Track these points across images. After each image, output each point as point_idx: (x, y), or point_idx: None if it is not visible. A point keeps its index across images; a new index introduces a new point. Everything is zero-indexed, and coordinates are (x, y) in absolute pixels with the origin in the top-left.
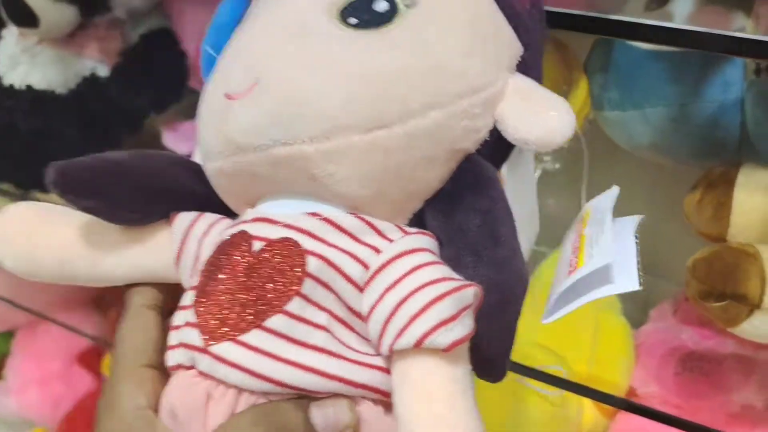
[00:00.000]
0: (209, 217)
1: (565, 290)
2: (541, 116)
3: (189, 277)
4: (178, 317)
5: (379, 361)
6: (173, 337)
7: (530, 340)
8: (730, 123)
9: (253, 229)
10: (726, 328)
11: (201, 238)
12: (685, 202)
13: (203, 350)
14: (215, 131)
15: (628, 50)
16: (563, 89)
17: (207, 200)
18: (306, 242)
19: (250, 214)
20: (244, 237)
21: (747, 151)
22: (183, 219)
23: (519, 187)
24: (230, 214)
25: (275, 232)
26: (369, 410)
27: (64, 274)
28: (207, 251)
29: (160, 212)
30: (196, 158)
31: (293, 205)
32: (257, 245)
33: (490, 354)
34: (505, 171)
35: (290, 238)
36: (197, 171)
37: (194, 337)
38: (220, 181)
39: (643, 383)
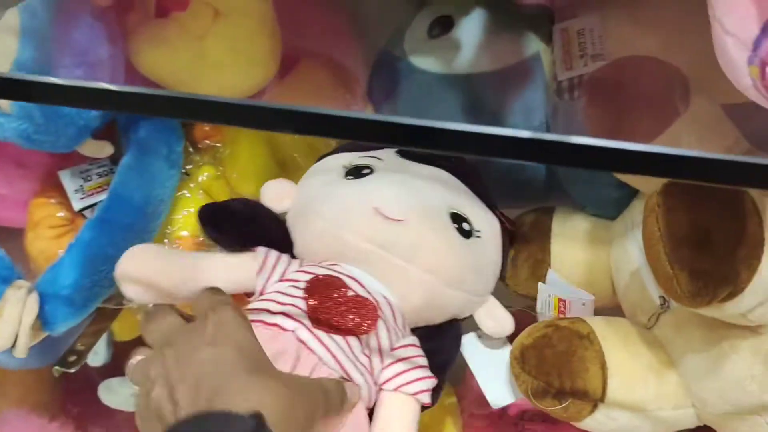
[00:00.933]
0: (285, 257)
1: None
2: (497, 325)
3: (264, 282)
4: (279, 297)
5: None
6: (273, 306)
7: None
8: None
9: (347, 281)
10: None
11: (283, 265)
12: None
13: (308, 328)
14: (362, 222)
15: (413, 76)
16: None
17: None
18: (379, 309)
19: (342, 269)
20: (340, 282)
21: (556, 190)
22: (263, 250)
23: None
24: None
25: (363, 293)
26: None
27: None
28: (297, 275)
29: (249, 246)
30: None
31: (373, 282)
32: (351, 293)
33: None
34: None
35: (374, 302)
36: (279, 223)
37: (302, 316)
38: (327, 240)
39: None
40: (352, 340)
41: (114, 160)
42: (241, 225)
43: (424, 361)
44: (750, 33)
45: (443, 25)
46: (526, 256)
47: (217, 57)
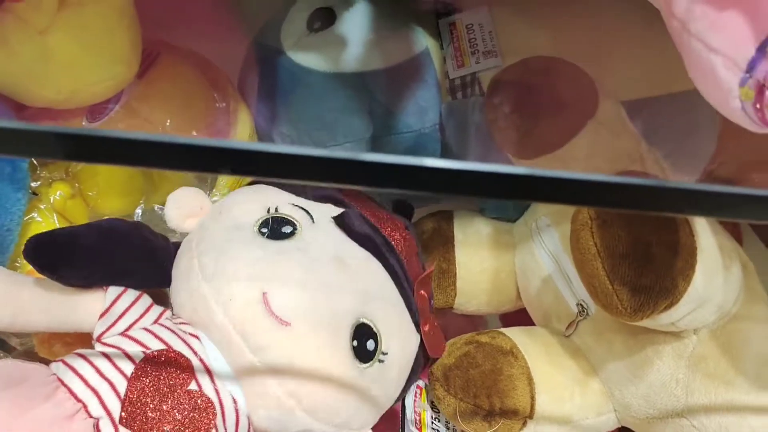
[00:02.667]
0: (143, 301)
1: None
2: None
3: (103, 330)
4: (103, 364)
5: None
6: (89, 374)
7: None
8: (430, 154)
9: (197, 369)
10: None
11: (135, 314)
12: None
13: (114, 422)
14: (241, 305)
15: (296, 73)
16: (220, 106)
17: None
18: (219, 415)
19: (198, 347)
20: (189, 368)
21: None
22: (115, 290)
23: None
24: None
25: (208, 389)
26: None
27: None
28: (144, 337)
29: (100, 282)
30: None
31: (229, 377)
32: (193, 386)
33: None
34: None
35: (213, 406)
36: (148, 255)
37: (114, 404)
38: (198, 304)
39: None
40: None
41: None
42: (85, 261)
43: None
44: (743, 53)
45: (324, 18)
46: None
47: (65, 54)
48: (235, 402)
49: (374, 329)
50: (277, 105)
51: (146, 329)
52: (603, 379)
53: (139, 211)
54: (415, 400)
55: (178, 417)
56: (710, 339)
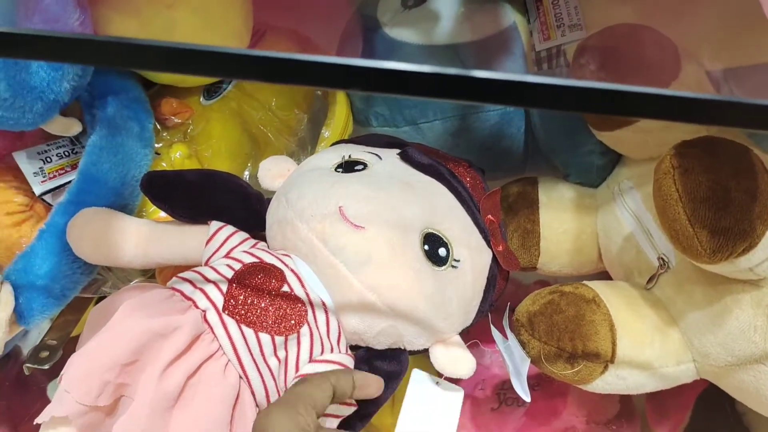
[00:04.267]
0: (241, 234)
1: None
2: (451, 365)
3: (210, 255)
4: (209, 272)
5: None
6: (196, 279)
7: None
8: (514, 130)
9: (288, 275)
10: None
11: (235, 241)
12: None
13: (218, 310)
14: (320, 217)
15: (390, 47)
16: (323, 103)
17: (237, 221)
18: (309, 315)
19: (290, 262)
20: (281, 275)
21: (534, 158)
22: (217, 224)
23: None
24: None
25: (300, 291)
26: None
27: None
28: (242, 256)
29: (203, 218)
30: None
31: (317, 283)
32: (285, 288)
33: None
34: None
35: (305, 304)
36: (243, 199)
37: (218, 297)
38: (286, 228)
39: (460, 425)
40: (265, 337)
41: (74, 139)
42: (190, 196)
43: None
44: None
45: None
46: (515, 227)
47: (188, 27)
48: (323, 304)
49: (444, 239)
50: None
51: (245, 251)
52: (683, 328)
53: (246, 173)
54: None
55: (272, 310)
56: None
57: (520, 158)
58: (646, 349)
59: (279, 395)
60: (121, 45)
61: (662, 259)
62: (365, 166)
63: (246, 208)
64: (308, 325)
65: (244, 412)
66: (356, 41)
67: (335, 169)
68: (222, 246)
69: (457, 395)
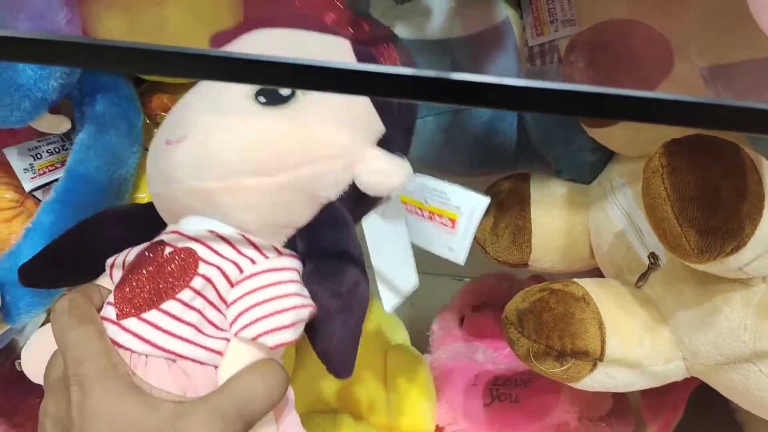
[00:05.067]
0: (134, 250)
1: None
2: (380, 176)
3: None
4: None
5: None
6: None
7: (323, 406)
8: (506, 127)
9: (168, 238)
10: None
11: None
12: (477, 230)
13: (114, 322)
14: (156, 165)
15: None
16: None
17: (132, 241)
18: (201, 251)
19: (169, 228)
20: (160, 244)
21: (526, 154)
22: (109, 261)
23: (387, 233)
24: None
25: (181, 242)
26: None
27: None
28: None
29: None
30: None
31: (202, 223)
32: (168, 250)
33: (335, 352)
34: (368, 221)
35: (189, 248)
36: (131, 221)
37: (111, 312)
38: (157, 203)
39: (452, 420)
40: (170, 304)
41: (65, 136)
42: (74, 263)
43: (277, 290)
44: None
45: None
46: (507, 224)
47: (179, 24)
48: (213, 231)
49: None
50: None
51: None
52: (673, 327)
53: None
54: None
55: (158, 277)
56: None
57: (513, 154)
58: (636, 347)
59: (227, 340)
60: (107, 48)
61: (652, 257)
62: None
63: (141, 225)
64: (204, 260)
65: (205, 379)
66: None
67: None
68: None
69: (399, 210)
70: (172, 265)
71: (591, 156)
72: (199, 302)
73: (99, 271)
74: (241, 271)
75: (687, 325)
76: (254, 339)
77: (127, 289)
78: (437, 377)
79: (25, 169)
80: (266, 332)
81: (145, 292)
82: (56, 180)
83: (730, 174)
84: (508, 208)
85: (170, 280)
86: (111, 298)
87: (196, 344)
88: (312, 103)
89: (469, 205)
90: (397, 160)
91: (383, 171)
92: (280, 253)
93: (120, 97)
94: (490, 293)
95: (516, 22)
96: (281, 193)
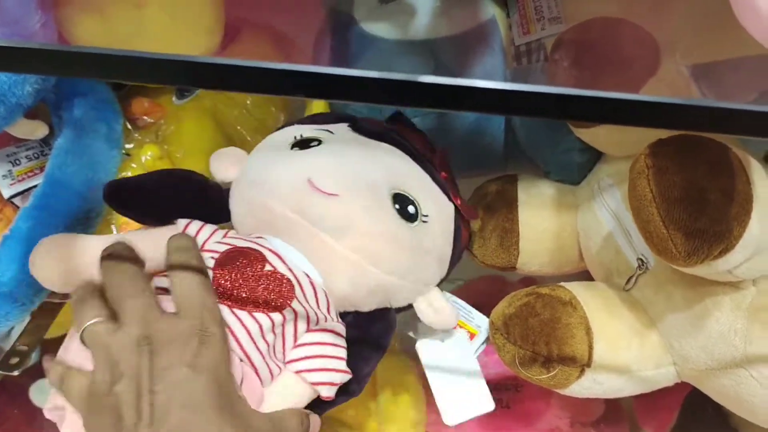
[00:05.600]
0: (209, 226)
1: None
2: (436, 315)
3: None
4: None
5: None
6: None
7: None
8: (494, 128)
9: (267, 255)
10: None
11: (206, 234)
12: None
13: None
14: (291, 191)
15: (367, 43)
16: (301, 100)
17: (202, 215)
18: (297, 289)
19: (265, 242)
20: (260, 256)
21: (515, 155)
22: (183, 221)
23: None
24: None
25: (281, 268)
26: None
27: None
28: (216, 246)
29: (168, 219)
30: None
31: (304, 263)
32: (268, 267)
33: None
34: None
35: (290, 279)
36: (204, 192)
37: None
38: (256, 210)
39: (443, 426)
40: (261, 316)
41: (43, 141)
42: (151, 198)
43: (339, 351)
44: None
45: None
46: (494, 226)
47: (158, 26)
48: (308, 276)
49: (410, 197)
50: None
51: (218, 242)
52: (662, 331)
53: None
54: None
55: (261, 289)
56: None
57: (501, 156)
58: (624, 352)
59: (280, 369)
60: (83, 55)
61: (641, 259)
62: (320, 141)
63: (208, 201)
64: (297, 299)
65: (253, 389)
66: (333, 38)
67: (291, 148)
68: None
69: (460, 334)
70: (272, 284)
71: (579, 157)
72: (279, 330)
73: (167, 218)
74: (317, 322)
75: (676, 329)
76: (313, 384)
77: (228, 281)
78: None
79: (3, 176)
80: (323, 383)
81: (242, 294)
82: (35, 186)
83: (718, 175)
84: (496, 210)
85: (269, 296)
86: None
87: (265, 361)
88: (430, 232)
89: (486, 328)
90: (451, 306)
91: (440, 308)
92: (338, 319)
93: (98, 101)
94: (484, 295)
95: (502, 21)
96: (377, 287)
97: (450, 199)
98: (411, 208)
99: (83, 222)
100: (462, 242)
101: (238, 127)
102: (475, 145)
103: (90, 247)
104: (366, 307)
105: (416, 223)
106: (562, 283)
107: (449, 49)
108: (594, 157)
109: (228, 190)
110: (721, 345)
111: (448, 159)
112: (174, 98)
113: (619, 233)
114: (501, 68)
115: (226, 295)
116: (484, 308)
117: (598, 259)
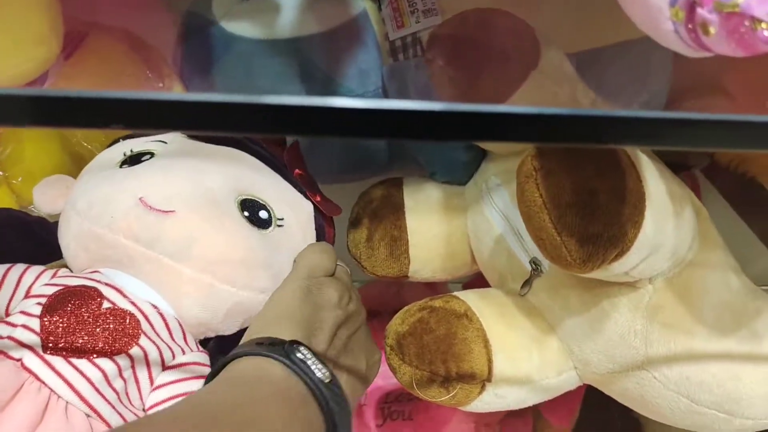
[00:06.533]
0: (34, 269)
1: None
2: None
3: (6, 302)
4: (15, 317)
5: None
6: (3, 329)
7: None
8: None
9: (104, 290)
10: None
11: (31, 277)
12: (351, 244)
13: (37, 353)
14: (122, 215)
15: (229, 44)
16: (155, 86)
17: (25, 257)
18: (144, 323)
19: (101, 277)
20: (96, 293)
21: (399, 157)
22: (2, 267)
23: None
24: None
25: (122, 303)
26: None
27: None
28: (44, 290)
29: None
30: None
31: (147, 293)
32: (106, 304)
33: None
34: None
35: (134, 314)
36: (24, 231)
37: (32, 338)
38: (86, 241)
39: None
40: (104, 362)
41: None
42: None
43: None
44: None
45: None
46: (382, 235)
47: None
48: (155, 307)
49: (261, 201)
50: (212, 77)
51: (47, 284)
52: (561, 336)
53: None
54: None
55: (99, 331)
56: (666, 288)
57: (385, 158)
58: (525, 363)
59: (137, 416)
60: None
61: (534, 262)
62: (152, 155)
63: (31, 240)
64: (145, 334)
65: None
66: (194, 40)
67: (120, 167)
68: (17, 288)
69: None
70: (113, 323)
71: (464, 155)
72: (128, 373)
73: None
74: (173, 357)
75: (575, 333)
76: None
77: (60, 327)
78: None
79: None
80: None
81: (79, 337)
82: None
83: (608, 174)
84: (382, 217)
85: (110, 337)
86: (27, 322)
87: (116, 410)
88: (289, 235)
89: None
90: None
91: None
92: (199, 348)
93: None
94: (380, 301)
95: (375, 15)
96: (236, 306)
97: (307, 197)
98: (263, 213)
99: None
100: (327, 239)
101: (86, 144)
102: (357, 148)
103: None
104: (227, 330)
105: (270, 228)
106: (456, 293)
107: (318, 48)
108: (480, 155)
109: (56, 223)
110: (621, 347)
111: (300, 153)
112: None
113: (510, 235)
114: (377, 65)
115: (58, 345)
116: (381, 314)
117: (491, 262)
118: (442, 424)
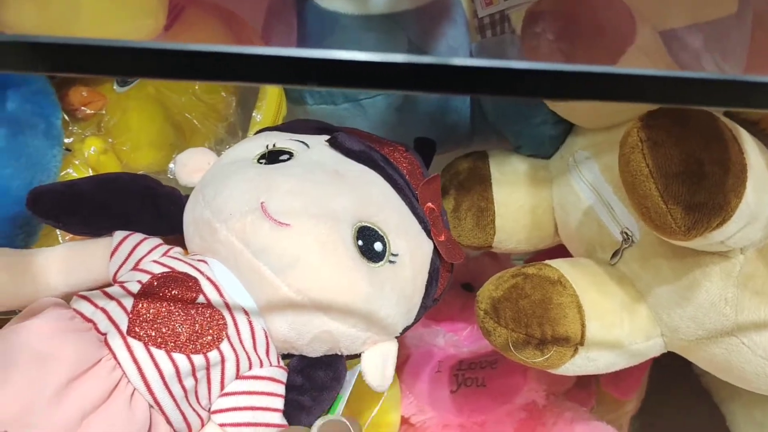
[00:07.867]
0: (150, 241)
1: None
2: (378, 376)
3: (116, 269)
4: (114, 289)
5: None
6: (97, 297)
7: None
8: (459, 103)
9: (204, 284)
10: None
11: (144, 250)
12: None
13: (121, 333)
14: (240, 215)
15: (322, 19)
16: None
17: (146, 227)
18: (230, 329)
19: (205, 268)
20: (195, 285)
21: (481, 130)
22: (120, 234)
23: None
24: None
25: (218, 301)
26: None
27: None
28: (151, 266)
29: (106, 231)
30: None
31: (244, 297)
32: (200, 299)
33: None
34: None
35: (223, 317)
36: (151, 201)
37: (121, 317)
38: (203, 229)
39: (418, 411)
40: (180, 357)
41: None
42: (84, 208)
43: (273, 402)
44: None
45: None
46: (469, 206)
47: (97, 7)
48: (247, 313)
49: (379, 232)
50: None
51: (155, 261)
52: (651, 303)
53: (172, 165)
54: None
55: (186, 326)
56: (757, 257)
57: (468, 131)
58: (616, 328)
59: (202, 422)
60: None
61: (625, 233)
62: (291, 155)
63: (155, 212)
64: (229, 339)
65: None
66: (284, 14)
67: (257, 161)
68: (128, 258)
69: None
70: (201, 322)
71: (552, 130)
72: (202, 374)
73: (99, 229)
74: (250, 367)
75: (666, 301)
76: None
77: (150, 313)
78: (399, 367)
79: None
80: None
81: (162, 330)
82: None
83: (712, 146)
84: (469, 189)
85: (194, 335)
86: (122, 299)
87: (179, 408)
88: (399, 274)
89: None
90: (392, 369)
91: (385, 372)
92: (279, 363)
93: (33, 93)
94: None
95: None
96: (324, 334)
97: (430, 236)
98: (378, 246)
99: (25, 229)
100: (439, 287)
101: (187, 114)
102: (441, 122)
103: (32, 263)
104: (312, 353)
105: (381, 263)
106: (547, 261)
107: (410, 24)
108: (566, 129)
109: (188, 197)
110: (711, 314)
111: (437, 187)
112: (115, 85)
113: (601, 207)
114: (465, 42)
115: (143, 330)
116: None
117: (579, 234)
118: (514, 392)
